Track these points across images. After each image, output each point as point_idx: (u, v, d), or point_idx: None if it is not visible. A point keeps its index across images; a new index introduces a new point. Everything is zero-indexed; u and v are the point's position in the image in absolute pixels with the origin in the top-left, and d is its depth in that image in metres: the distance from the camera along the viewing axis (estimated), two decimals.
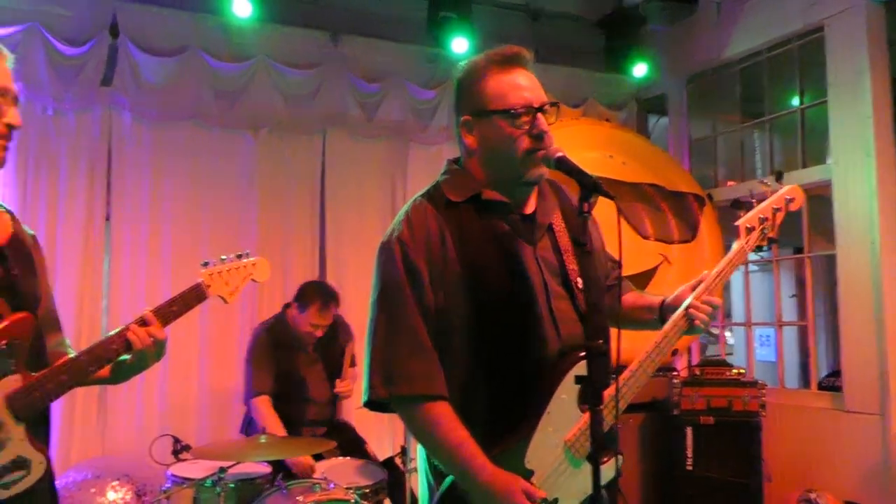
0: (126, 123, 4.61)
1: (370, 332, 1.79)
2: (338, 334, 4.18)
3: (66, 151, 4.46)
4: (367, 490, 3.47)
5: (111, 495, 3.98)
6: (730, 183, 6.10)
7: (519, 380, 1.75)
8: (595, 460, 1.57)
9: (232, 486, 3.27)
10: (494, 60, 1.81)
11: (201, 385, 4.65)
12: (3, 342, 1.64)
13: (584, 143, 5.57)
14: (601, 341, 1.64)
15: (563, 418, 1.76)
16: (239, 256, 2.12)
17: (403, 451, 3.91)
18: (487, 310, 1.76)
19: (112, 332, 1.82)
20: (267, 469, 3.50)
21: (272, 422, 3.78)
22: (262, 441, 3.23)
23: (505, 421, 1.73)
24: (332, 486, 3.26)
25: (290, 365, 4.00)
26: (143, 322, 1.83)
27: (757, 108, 5.77)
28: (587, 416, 1.70)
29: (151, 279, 4.61)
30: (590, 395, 1.58)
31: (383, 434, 4.91)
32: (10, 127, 1.68)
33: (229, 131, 4.88)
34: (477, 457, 1.67)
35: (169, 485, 3.42)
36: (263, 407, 3.84)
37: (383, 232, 1.64)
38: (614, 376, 1.75)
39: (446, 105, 5.41)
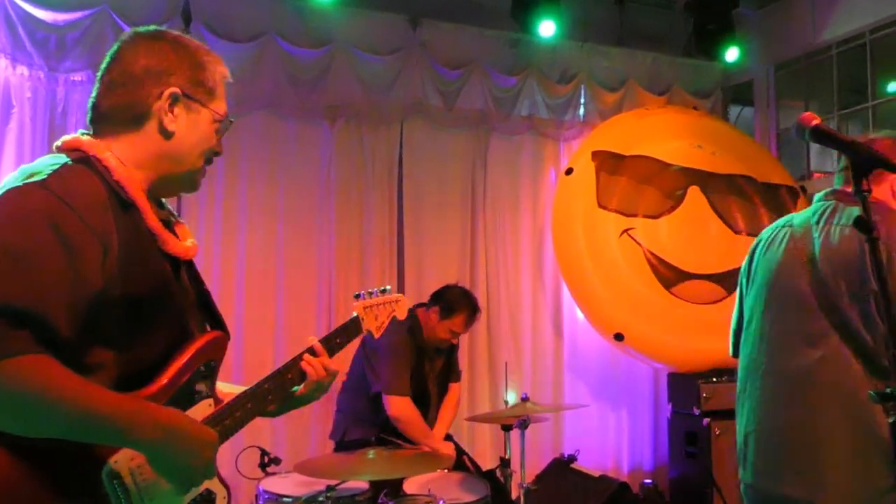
0: None
1: None
2: (455, 350, 4.02)
3: None
4: None
5: None
6: (818, 175, 5.77)
7: None
8: None
9: None
10: None
11: None
12: (201, 363, 1.49)
13: (671, 132, 5.28)
14: None
15: None
16: (382, 291, 2.07)
17: (504, 463, 3.65)
18: None
19: (287, 362, 1.73)
20: (365, 485, 3.24)
21: (422, 428, 3.62)
22: (370, 457, 2.96)
23: None
24: (441, 502, 3.01)
25: (420, 373, 3.76)
26: (312, 352, 1.75)
27: (854, 96, 5.42)
28: None
29: (225, 273, 4.40)
30: None
31: (483, 445, 4.68)
32: (217, 155, 1.61)
33: (306, 121, 4.65)
34: None
35: (261, 502, 3.17)
36: (411, 410, 3.62)
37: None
38: None
39: (528, 93, 5.13)
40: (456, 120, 4.98)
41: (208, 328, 1.62)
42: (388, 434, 3.56)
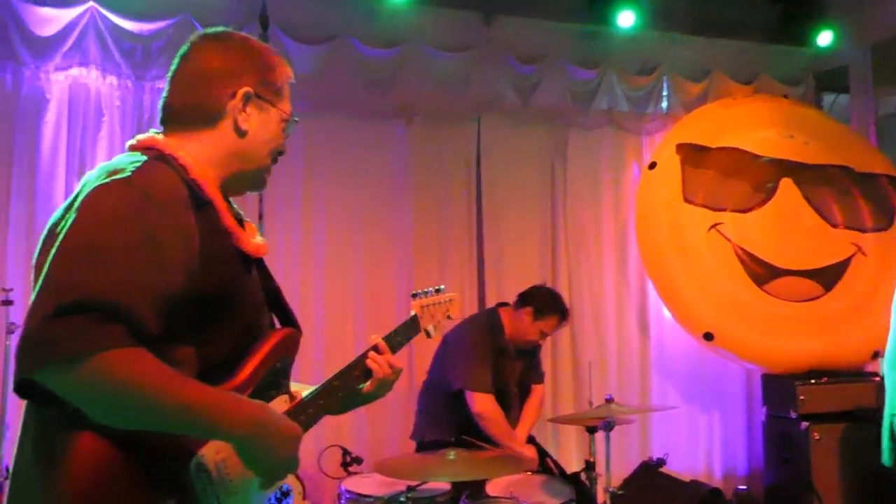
0: None
1: None
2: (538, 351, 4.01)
3: None
4: None
5: None
6: None
7: None
8: None
9: None
10: None
11: None
12: (276, 360, 1.52)
13: (761, 121, 5.05)
14: None
15: None
16: (437, 290, 2.13)
17: (589, 466, 3.53)
18: None
19: (354, 360, 1.76)
20: (446, 486, 3.18)
21: (505, 427, 3.58)
22: (451, 458, 2.90)
23: None
24: None
25: (501, 373, 3.70)
26: (377, 350, 1.79)
27: None
28: None
29: (305, 273, 4.42)
30: None
31: (568, 448, 4.56)
32: (281, 154, 1.63)
33: (382, 121, 4.64)
34: None
35: (343, 501, 3.16)
36: (495, 407, 3.58)
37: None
38: None
39: (607, 86, 4.99)
40: (533, 116, 4.88)
41: (278, 325, 1.64)
42: (467, 435, 3.50)
